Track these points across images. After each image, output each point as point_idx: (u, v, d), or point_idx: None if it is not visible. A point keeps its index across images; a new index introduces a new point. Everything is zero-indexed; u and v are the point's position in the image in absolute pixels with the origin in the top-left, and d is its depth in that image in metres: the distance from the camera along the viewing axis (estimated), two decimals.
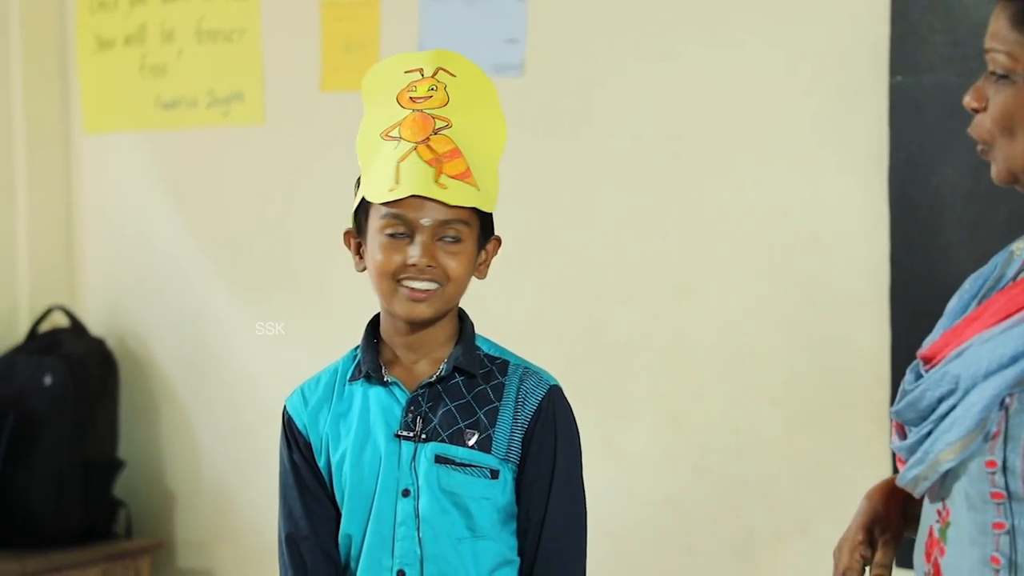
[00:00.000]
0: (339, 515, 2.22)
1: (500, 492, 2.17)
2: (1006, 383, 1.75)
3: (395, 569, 2.16)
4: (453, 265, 2.14)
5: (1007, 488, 1.77)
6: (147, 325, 4.47)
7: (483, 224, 2.19)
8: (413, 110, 2.14)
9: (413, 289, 2.14)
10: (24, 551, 4.14)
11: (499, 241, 2.24)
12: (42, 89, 4.51)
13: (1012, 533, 1.77)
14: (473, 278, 2.22)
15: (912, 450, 1.86)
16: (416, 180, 2.10)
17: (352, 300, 4.05)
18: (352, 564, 2.20)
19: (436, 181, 2.10)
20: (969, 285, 1.96)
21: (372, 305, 3.95)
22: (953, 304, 1.96)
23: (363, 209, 2.20)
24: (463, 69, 2.21)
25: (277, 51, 4.19)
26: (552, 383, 2.22)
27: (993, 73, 1.88)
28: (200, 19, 4.31)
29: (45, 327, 4.44)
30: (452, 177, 2.11)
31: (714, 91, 3.50)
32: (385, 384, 2.20)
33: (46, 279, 4.53)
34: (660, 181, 3.58)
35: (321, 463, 2.23)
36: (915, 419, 1.87)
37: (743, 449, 3.41)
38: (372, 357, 2.22)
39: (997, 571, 1.78)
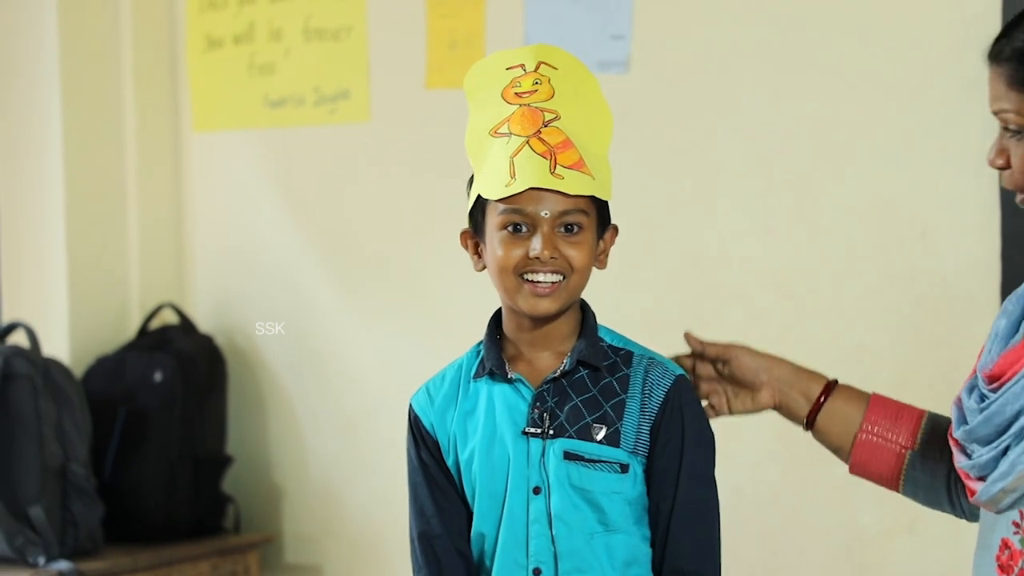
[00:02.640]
0: (470, 513, 2.21)
1: (631, 485, 2.16)
2: None
3: (531, 567, 2.16)
4: (575, 255, 2.13)
5: None
6: (255, 322, 4.50)
7: (600, 213, 2.18)
8: (520, 105, 2.14)
9: (537, 283, 2.13)
10: (135, 546, 4.17)
11: (616, 230, 2.23)
12: (153, 88, 4.56)
13: None
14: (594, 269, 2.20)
15: (987, 467, 1.88)
16: (532, 173, 2.10)
17: (459, 297, 4.07)
18: (487, 562, 2.20)
19: (552, 172, 2.09)
20: (1013, 307, 2.00)
21: (479, 302, 3.95)
22: (1003, 325, 1.98)
23: (479, 208, 2.19)
24: (564, 62, 2.20)
25: (383, 49, 4.21)
26: (678, 372, 2.21)
27: (1007, 129, 1.93)
28: (307, 18, 4.34)
29: (155, 324, 4.48)
30: (567, 167, 2.10)
31: (821, 87, 3.47)
32: (509, 381, 2.19)
33: (156, 277, 4.58)
34: (767, 178, 3.55)
35: (450, 461, 2.22)
36: (990, 435, 1.88)
37: None
38: (495, 354, 2.20)
39: None
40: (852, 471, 2.27)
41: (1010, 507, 1.89)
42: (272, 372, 4.47)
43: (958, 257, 3.24)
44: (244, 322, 4.51)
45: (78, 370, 4.33)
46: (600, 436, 2.15)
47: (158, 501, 4.22)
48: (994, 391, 1.90)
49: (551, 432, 2.15)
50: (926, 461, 2.21)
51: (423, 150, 4.14)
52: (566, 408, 2.16)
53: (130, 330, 4.52)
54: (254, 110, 4.46)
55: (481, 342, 2.26)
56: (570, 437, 2.15)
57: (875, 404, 2.26)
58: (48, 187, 4.44)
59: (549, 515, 2.15)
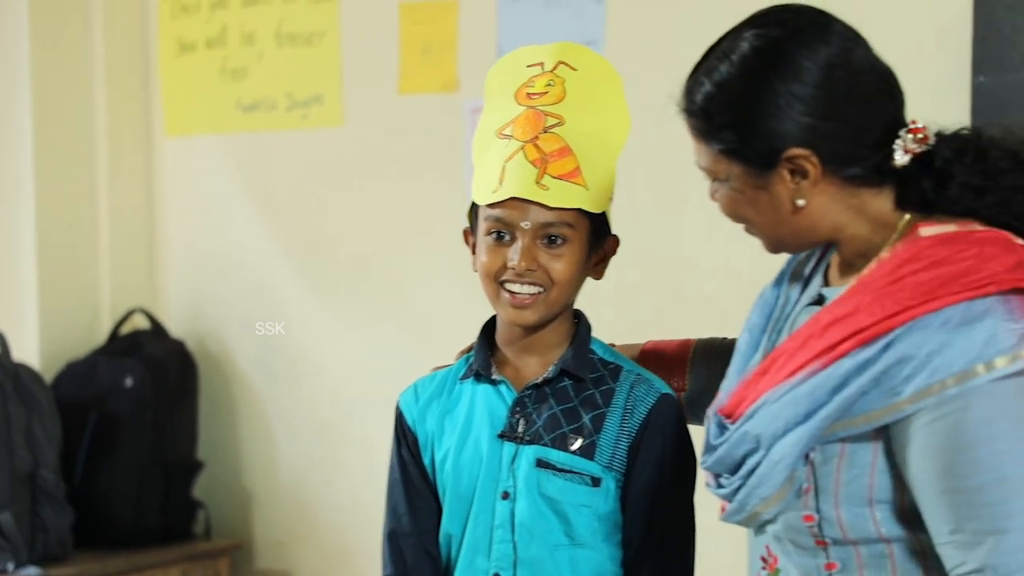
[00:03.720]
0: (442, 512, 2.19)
1: (602, 500, 2.11)
2: (805, 439, 1.81)
3: (491, 572, 2.12)
4: (557, 268, 2.09)
5: (824, 535, 1.85)
6: (227, 327, 4.49)
7: (597, 224, 2.14)
8: (528, 107, 2.11)
9: (515, 294, 2.09)
10: (105, 551, 4.17)
11: (617, 240, 2.19)
12: (124, 92, 4.55)
13: (843, 571, 1.86)
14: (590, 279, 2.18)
15: (729, 497, 1.91)
16: (517, 182, 2.06)
17: (433, 302, 4.07)
18: (454, 563, 2.17)
19: (538, 182, 2.06)
20: (757, 318, 2.03)
21: (454, 306, 3.97)
22: (744, 341, 2.02)
23: (474, 208, 2.16)
24: (587, 62, 2.16)
25: (356, 54, 4.21)
26: (664, 391, 2.15)
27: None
28: (280, 22, 4.33)
29: (126, 329, 4.47)
30: (556, 177, 2.07)
31: None
32: (494, 383, 2.16)
33: (127, 281, 4.57)
34: None
35: (426, 459, 2.19)
36: (726, 471, 1.91)
37: None
38: (484, 356, 2.18)
39: None
40: None
41: (757, 536, 1.95)
42: (244, 377, 4.46)
43: None
44: (216, 327, 4.51)
45: (48, 375, 4.31)
46: (575, 447, 2.11)
47: (128, 507, 4.21)
48: (729, 425, 1.93)
49: (526, 438, 2.12)
50: (701, 396, 2.21)
51: (396, 155, 4.14)
52: (544, 416, 2.12)
53: (101, 335, 4.51)
54: (226, 115, 4.45)
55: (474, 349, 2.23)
56: (545, 445, 2.11)
57: (644, 353, 2.29)
58: (19, 191, 4.42)
59: (514, 521, 2.11)
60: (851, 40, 1.92)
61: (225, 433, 4.48)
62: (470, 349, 2.25)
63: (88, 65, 4.50)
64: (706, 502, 2.13)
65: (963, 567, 1.76)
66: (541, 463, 2.11)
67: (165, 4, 4.54)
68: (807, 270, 2.04)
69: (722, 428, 1.94)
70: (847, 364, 1.80)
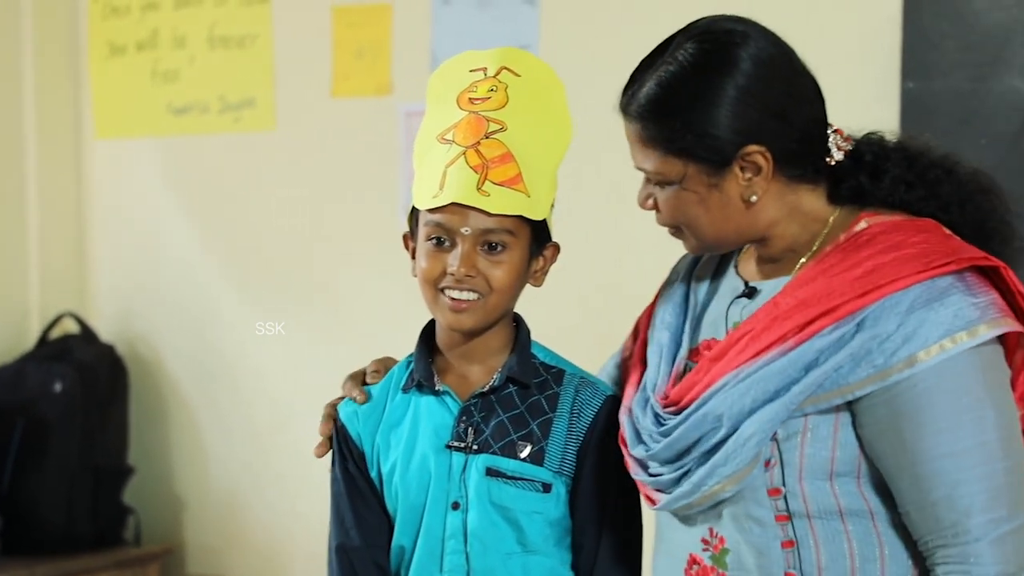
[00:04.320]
0: (392, 525, 2.16)
1: (553, 506, 2.11)
2: (777, 414, 1.88)
3: None
4: (497, 274, 2.07)
5: (789, 510, 1.91)
6: (157, 331, 4.47)
7: (537, 231, 2.12)
8: (470, 112, 2.09)
9: (453, 299, 2.07)
10: (34, 558, 4.13)
11: (557, 248, 2.17)
12: (54, 94, 4.52)
13: (798, 548, 1.91)
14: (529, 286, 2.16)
15: (668, 484, 1.96)
16: (457, 187, 2.04)
17: (366, 306, 4.07)
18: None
19: (478, 188, 2.04)
20: (672, 318, 2.10)
21: (387, 311, 3.97)
22: (665, 339, 2.07)
23: (414, 213, 2.13)
24: (530, 68, 2.15)
25: (289, 57, 4.20)
26: (609, 393, 2.15)
27: (650, 180, 2.02)
28: (212, 25, 4.32)
29: (55, 333, 4.44)
30: (498, 184, 2.05)
31: None
32: (437, 393, 2.14)
33: (56, 285, 4.54)
34: None
35: (373, 473, 2.16)
36: (671, 458, 1.96)
37: None
38: (425, 365, 2.15)
39: None
40: None
41: (697, 522, 1.98)
42: (175, 382, 4.44)
43: None
44: (147, 331, 4.48)
45: None
46: (524, 454, 2.10)
47: (57, 512, 4.18)
48: (672, 415, 1.96)
49: (475, 447, 2.10)
50: None
51: (329, 159, 4.14)
52: (492, 424, 2.11)
53: (29, 339, 4.47)
54: (157, 117, 4.43)
55: (411, 355, 2.20)
56: (494, 453, 2.10)
57: None
58: None
59: (466, 531, 2.10)
60: (784, 44, 2.00)
61: (156, 438, 4.46)
62: (385, 370, 2.22)
63: (17, 67, 4.46)
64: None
65: (932, 535, 1.86)
66: (491, 472, 2.10)
67: (95, 6, 4.51)
68: (708, 275, 2.12)
69: (659, 419, 1.98)
70: (820, 341, 1.87)
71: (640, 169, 1.99)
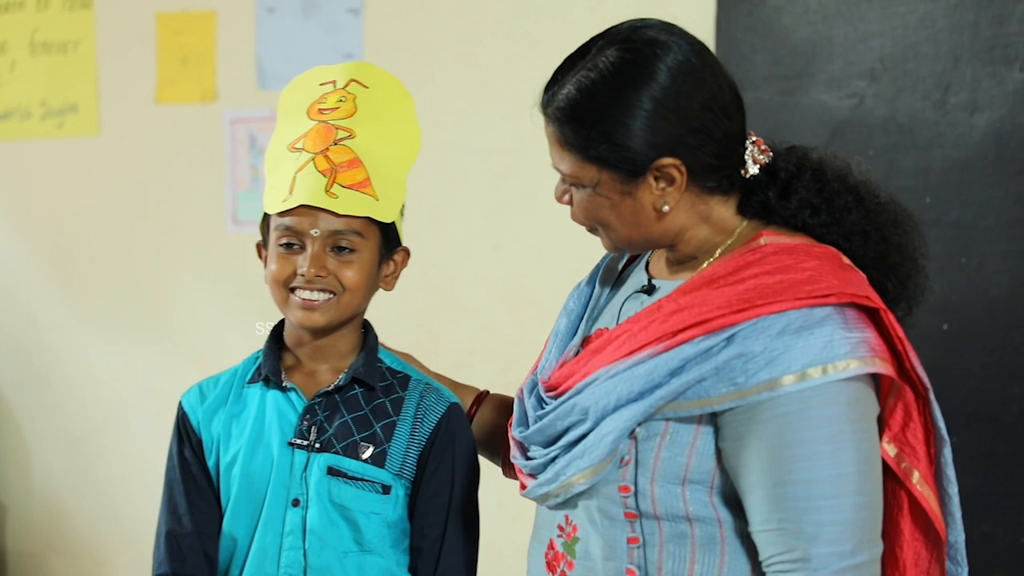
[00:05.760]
0: (222, 516, 2.17)
1: (391, 507, 2.14)
2: (636, 415, 1.89)
3: None
4: (348, 274, 2.11)
5: (639, 508, 1.92)
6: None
7: (387, 234, 2.17)
8: (319, 121, 2.14)
9: (304, 299, 2.10)
10: None
11: (407, 252, 2.22)
12: None
13: (644, 546, 1.93)
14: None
15: (537, 469, 1.99)
16: (307, 190, 2.08)
17: (190, 312, 4.07)
18: (235, 570, 2.17)
19: (327, 191, 2.08)
20: (574, 304, 2.14)
21: (212, 317, 3.97)
22: (563, 325, 2.11)
23: (265, 220, 2.16)
24: (378, 81, 2.21)
25: (112, 63, 4.19)
26: (453, 400, 2.19)
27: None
28: (33, 31, 4.29)
29: None
30: (346, 187, 2.10)
31: None
32: (284, 389, 2.17)
33: None
34: (497, 195, 3.65)
35: (211, 462, 2.18)
36: (542, 443, 1.99)
37: None
38: (273, 361, 2.18)
39: None
40: (504, 473, 2.31)
41: (556, 507, 2.01)
42: None
43: None
44: None
45: None
46: (366, 455, 2.13)
47: None
48: (552, 399, 1.99)
49: (317, 446, 2.13)
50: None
51: (153, 164, 4.13)
52: (336, 423, 2.14)
53: None
54: None
55: (260, 350, 2.22)
56: (336, 453, 2.13)
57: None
58: None
59: (304, 528, 2.12)
60: (707, 53, 1.97)
61: None
62: None
63: None
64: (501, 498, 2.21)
65: (776, 558, 1.85)
66: (332, 471, 2.13)
67: None
68: (619, 267, 2.15)
69: (541, 402, 2.02)
70: (688, 350, 1.88)
71: (556, 169, 2.00)
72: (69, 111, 4.25)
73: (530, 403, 2.03)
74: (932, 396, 1.93)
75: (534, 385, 2.06)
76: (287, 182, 2.10)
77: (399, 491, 2.15)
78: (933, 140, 3.27)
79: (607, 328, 2.04)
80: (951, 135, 3.26)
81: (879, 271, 1.97)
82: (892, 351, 1.90)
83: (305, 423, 2.15)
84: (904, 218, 2.02)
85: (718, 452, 1.90)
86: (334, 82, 2.18)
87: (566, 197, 2.01)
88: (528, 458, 2.01)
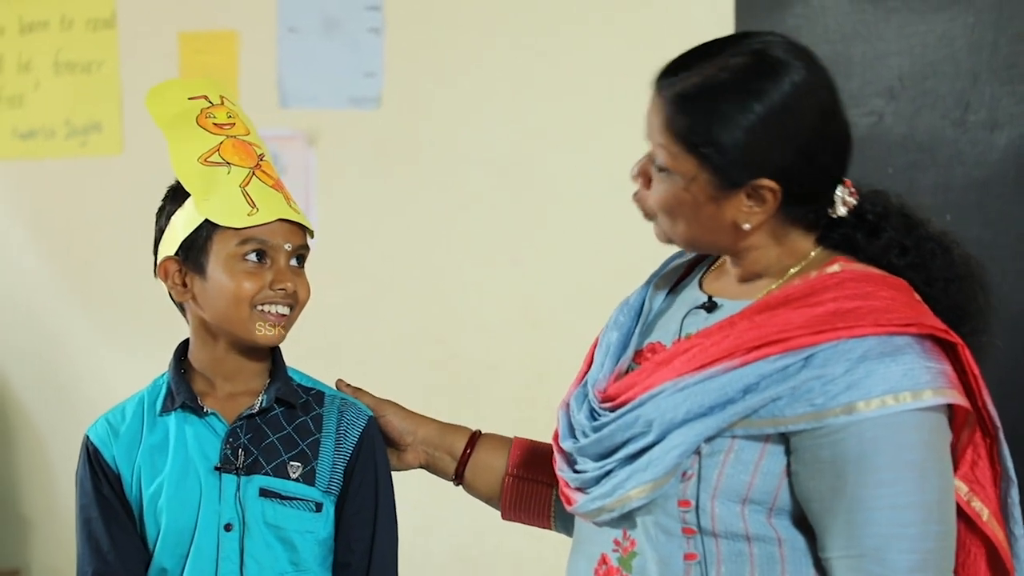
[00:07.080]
0: (147, 551, 2.12)
1: (323, 525, 2.13)
2: (706, 430, 1.86)
3: None
4: (302, 288, 2.11)
5: (699, 524, 1.90)
6: (2, 354, 4.44)
7: None
8: (228, 136, 2.11)
9: (271, 314, 2.09)
10: None
11: None
12: None
13: (703, 563, 1.90)
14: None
15: (590, 482, 1.97)
16: (275, 205, 2.08)
17: None
18: None
19: (290, 205, 2.10)
20: (624, 318, 2.10)
21: None
22: (614, 339, 2.08)
23: (201, 236, 2.11)
24: (233, 96, 2.20)
25: (136, 83, 4.21)
26: (370, 414, 2.19)
27: (655, 162, 1.99)
28: (58, 51, 4.32)
29: None
30: (294, 202, 2.12)
31: (567, 122, 3.60)
32: (202, 415, 2.13)
33: None
34: (513, 211, 3.66)
35: (132, 497, 2.13)
36: (597, 455, 1.97)
37: None
38: (186, 387, 2.14)
39: None
40: (504, 517, 2.29)
41: (607, 524, 1.98)
42: (21, 404, 4.41)
43: None
44: None
45: None
46: (296, 474, 2.11)
47: None
48: (607, 411, 1.97)
49: (244, 469, 2.10)
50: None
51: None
52: (262, 445, 2.11)
53: None
54: (2, 142, 4.41)
55: (163, 375, 2.19)
56: (266, 474, 2.10)
57: (517, 447, 2.30)
58: None
59: (241, 553, 2.09)
60: (835, 89, 1.95)
61: (1, 460, 4.43)
62: None
63: None
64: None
65: None
66: (265, 492, 2.11)
67: None
68: (668, 283, 2.12)
69: (594, 414, 1.99)
70: (765, 367, 1.86)
71: (651, 143, 1.96)
72: (93, 130, 4.27)
73: (581, 416, 2.01)
74: (1001, 435, 1.92)
75: (584, 397, 2.04)
76: (238, 196, 2.08)
77: (329, 508, 2.14)
78: (953, 158, 3.28)
79: (661, 342, 2.02)
80: (971, 153, 3.26)
81: (952, 320, 1.94)
82: (965, 387, 1.89)
83: (228, 447, 2.11)
84: (980, 273, 2.01)
85: (782, 473, 1.88)
86: (206, 97, 2.15)
87: (641, 179, 1.99)
88: (576, 471, 1.99)
